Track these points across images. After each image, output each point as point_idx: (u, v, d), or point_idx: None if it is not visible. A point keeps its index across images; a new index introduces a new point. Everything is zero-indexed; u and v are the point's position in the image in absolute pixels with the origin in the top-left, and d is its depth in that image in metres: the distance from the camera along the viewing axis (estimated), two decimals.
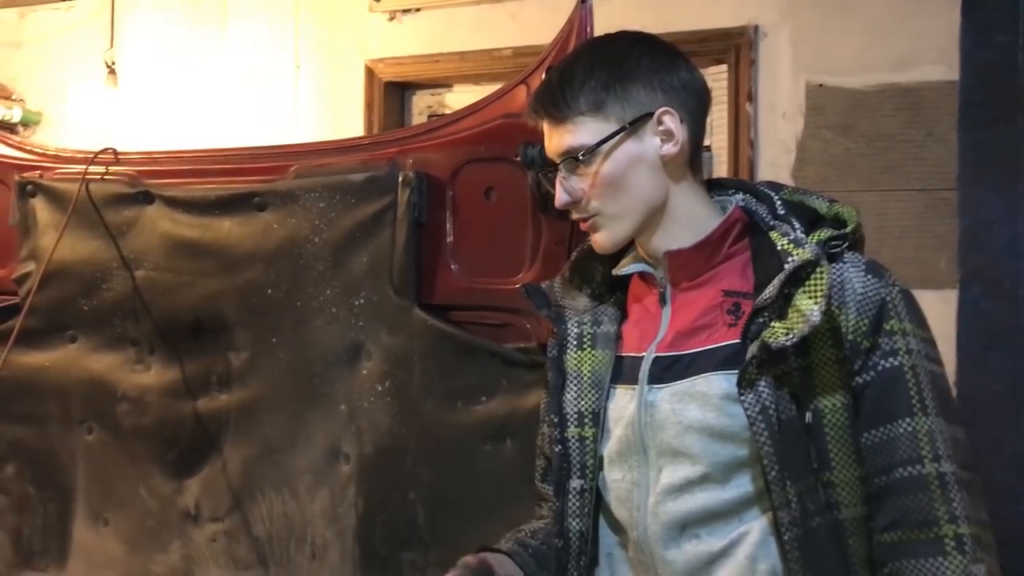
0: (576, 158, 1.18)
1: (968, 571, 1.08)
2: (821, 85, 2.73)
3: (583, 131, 1.18)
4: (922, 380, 1.12)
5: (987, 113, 2.44)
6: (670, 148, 1.19)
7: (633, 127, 1.17)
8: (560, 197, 1.21)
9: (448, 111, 3.21)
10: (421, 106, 3.35)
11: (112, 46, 3.46)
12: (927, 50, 2.61)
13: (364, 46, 3.26)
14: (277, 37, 3.37)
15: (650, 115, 1.18)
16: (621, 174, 1.18)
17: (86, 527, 1.97)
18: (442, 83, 3.31)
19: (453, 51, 3.16)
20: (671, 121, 1.18)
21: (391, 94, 3.29)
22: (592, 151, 1.17)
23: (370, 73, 3.26)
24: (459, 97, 3.23)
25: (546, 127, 1.22)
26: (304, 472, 1.79)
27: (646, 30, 1.25)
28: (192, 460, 1.89)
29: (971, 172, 2.47)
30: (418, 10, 3.20)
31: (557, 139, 1.20)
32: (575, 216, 1.24)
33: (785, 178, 2.69)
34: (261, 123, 3.31)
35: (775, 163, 2.73)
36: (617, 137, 1.17)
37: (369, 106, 3.27)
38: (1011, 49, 2.40)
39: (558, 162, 1.21)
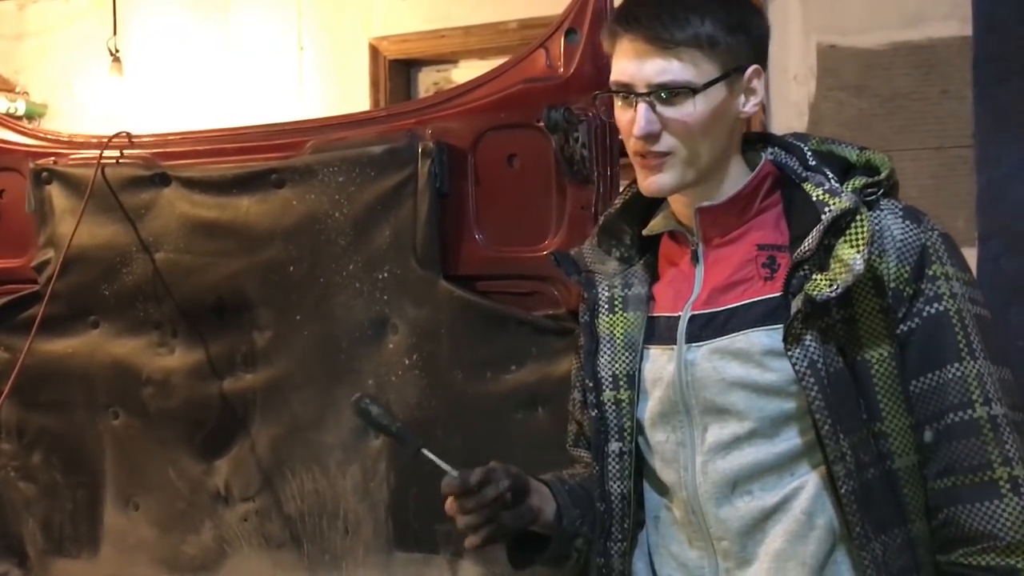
0: (689, 91, 1.10)
1: None
2: (832, 46, 2.70)
3: (691, 65, 1.11)
4: (968, 323, 1.11)
5: (1002, 67, 2.40)
6: (751, 107, 1.16)
7: (734, 76, 1.14)
8: (643, 126, 1.13)
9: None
10: (427, 83, 3.33)
11: (115, 33, 3.44)
12: (939, 4, 2.58)
13: (368, 24, 3.24)
14: (280, 18, 3.34)
15: (744, 69, 1.15)
16: (711, 121, 1.13)
17: (116, 512, 1.98)
18: (448, 59, 3.29)
19: (458, 26, 3.13)
20: (758, 82, 1.16)
21: (396, 72, 3.27)
22: (702, 89, 1.11)
23: (374, 51, 3.24)
24: (465, 73, 3.20)
25: (634, 47, 1.12)
26: (334, 448, 1.79)
27: None
28: (220, 441, 1.89)
29: (987, 128, 2.43)
30: None
31: (659, 64, 1.11)
32: (641, 150, 1.15)
33: None
34: (267, 105, 3.29)
35: (788, 126, 2.70)
36: (722, 82, 1.13)
37: (375, 84, 3.25)
38: None
39: (645, 90, 1.12)
